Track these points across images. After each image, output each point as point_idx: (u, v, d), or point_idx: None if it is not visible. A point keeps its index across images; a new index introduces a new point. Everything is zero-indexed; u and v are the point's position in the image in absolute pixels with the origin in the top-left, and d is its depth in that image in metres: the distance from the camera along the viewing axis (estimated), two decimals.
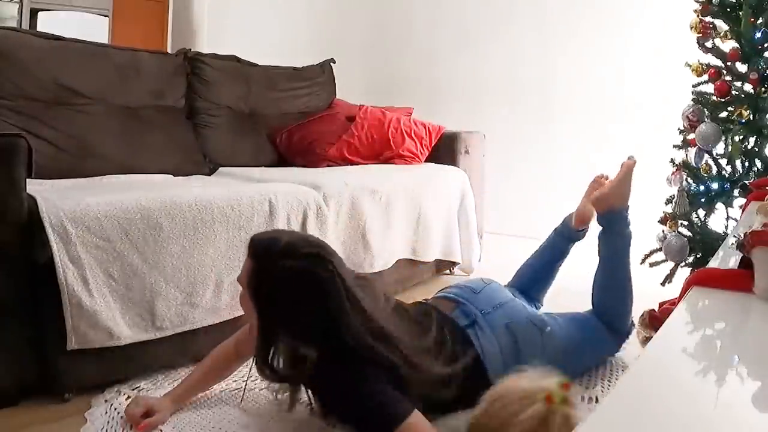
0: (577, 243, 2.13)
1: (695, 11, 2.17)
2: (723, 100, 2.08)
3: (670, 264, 2.20)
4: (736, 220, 1.96)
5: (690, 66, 2.19)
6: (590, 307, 1.90)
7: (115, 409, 1.58)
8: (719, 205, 2.11)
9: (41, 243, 1.56)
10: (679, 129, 2.30)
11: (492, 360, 1.55)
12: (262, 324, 1.40)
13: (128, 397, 1.64)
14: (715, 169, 2.12)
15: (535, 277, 2.09)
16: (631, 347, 2.01)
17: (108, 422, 1.52)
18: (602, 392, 1.72)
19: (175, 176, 2.45)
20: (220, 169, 2.66)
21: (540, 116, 3.97)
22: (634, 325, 1.89)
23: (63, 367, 1.61)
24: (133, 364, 1.73)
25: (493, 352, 1.56)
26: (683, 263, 2.17)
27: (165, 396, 1.57)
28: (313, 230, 2.14)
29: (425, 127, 3.06)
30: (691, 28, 2.16)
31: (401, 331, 1.45)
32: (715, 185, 2.12)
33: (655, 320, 2.04)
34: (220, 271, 1.87)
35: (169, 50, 3.95)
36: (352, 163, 2.93)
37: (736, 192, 2.08)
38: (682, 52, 2.28)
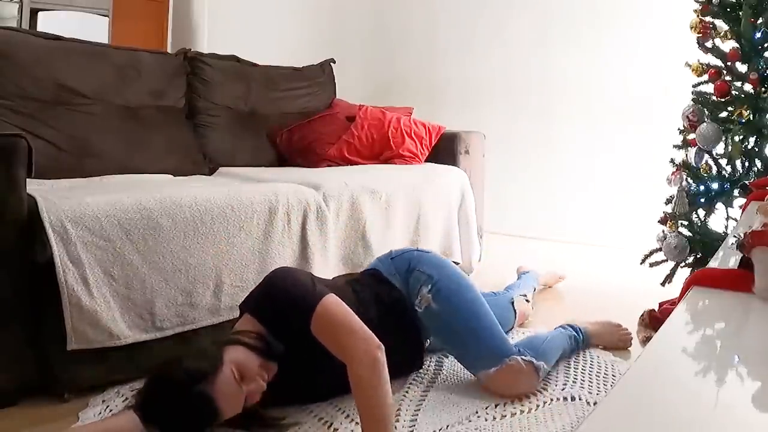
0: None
1: (695, 11, 2.17)
2: (723, 100, 2.08)
3: (670, 264, 2.20)
4: (736, 220, 1.96)
5: (690, 66, 2.19)
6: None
7: (111, 410, 1.58)
8: (719, 205, 2.11)
9: (41, 243, 1.56)
10: (679, 129, 2.30)
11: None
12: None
13: (126, 398, 1.63)
14: (715, 169, 2.12)
15: None
16: (631, 347, 2.02)
17: None
18: (604, 393, 1.72)
19: (175, 176, 2.45)
20: (220, 169, 2.66)
21: (540, 116, 3.96)
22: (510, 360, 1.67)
23: (62, 367, 1.61)
24: (133, 365, 1.73)
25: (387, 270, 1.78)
26: (683, 263, 2.17)
27: None
28: (313, 230, 2.14)
29: (425, 127, 3.06)
30: (691, 28, 2.16)
31: None
32: (715, 185, 2.12)
33: (655, 320, 2.04)
34: (220, 271, 1.87)
35: (169, 50, 3.95)
36: (352, 163, 2.93)
37: (736, 192, 2.08)
38: (683, 51, 2.28)
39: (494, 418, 1.56)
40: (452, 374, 1.82)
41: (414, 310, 1.72)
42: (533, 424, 1.54)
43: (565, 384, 1.74)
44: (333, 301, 1.47)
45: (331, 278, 2.02)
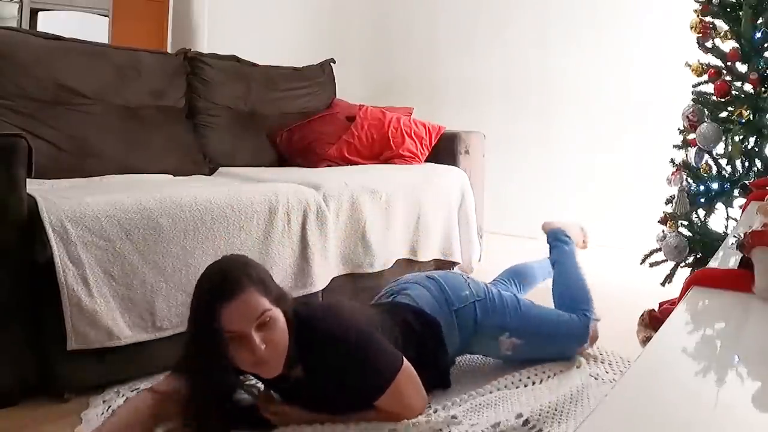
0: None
1: (695, 11, 2.17)
2: (723, 100, 2.08)
3: (670, 264, 2.20)
4: (736, 220, 1.96)
5: (690, 66, 2.19)
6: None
7: (112, 410, 1.57)
8: (719, 205, 2.11)
9: (41, 243, 1.56)
10: (679, 129, 2.30)
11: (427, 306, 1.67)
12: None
13: (126, 398, 1.63)
14: (715, 169, 2.12)
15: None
16: (631, 347, 2.01)
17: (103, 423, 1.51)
18: (602, 363, 1.84)
19: (175, 176, 2.45)
20: (220, 169, 2.66)
21: (540, 116, 3.96)
22: (592, 316, 1.89)
23: (63, 367, 1.61)
24: (133, 365, 1.73)
25: (426, 299, 1.68)
26: (683, 263, 2.17)
27: None
28: (313, 230, 2.14)
29: (425, 127, 3.06)
30: (691, 28, 2.16)
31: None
32: (715, 185, 2.11)
33: (655, 320, 2.04)
34: None
35: (169, 50, 3.95)
36: (352, 163, 2.93)
37: (736, 192, 2.07)
38: (682, 52, 2.28)
39: (517, 387, 1.68)
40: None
41: (449, 361, 1.71)
42: (541, 394, 1.64)
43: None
44: (404, 377, 1.45)
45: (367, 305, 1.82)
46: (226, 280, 1.33)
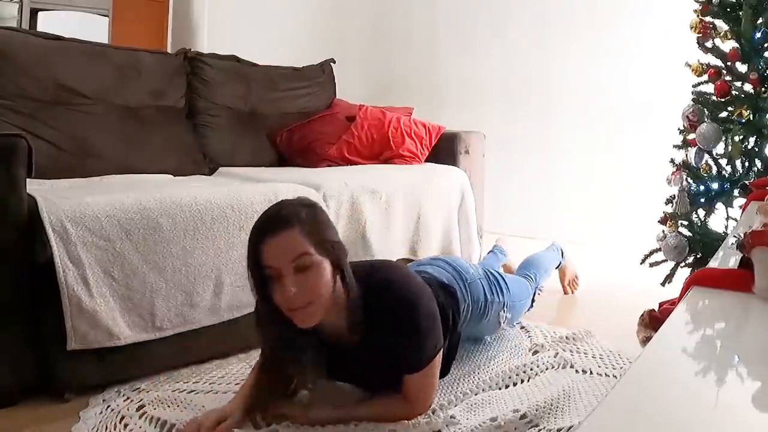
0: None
1: (695, 11, 2.17)
2: (723, 100, 2.08)
3: (670, 264, 2.20)
4: (736, 220, 1.96)
5: (690, 66, 2.19)
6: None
7: (112, 409, 1.57)
8: (719, 205, 2.11)
9: (41, 243, 1.56)
10: (679, 129, 2.30)
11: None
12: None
13: (127, 398, 1.63)
14: (715, 169, 2.12)
15: None
16: (631, 347, 2.02)
17: (101, 422, 1.52)
18: (592, 358, 1.87)
19: (175, 176, 2.45)
20: (220, 169, 2.66)
21: (540, 116, 3.96)
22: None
23: (63, 367, 1.61)
24: (134, 365, 1.73)
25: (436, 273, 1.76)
26: (683, 263, 2.17)
27: (233, 402, 1.48)
28: None
29: (425, 127, 3.06)
30: (691, 28, 2.16)
31: None
32: (715, 185, 2.11)
33: (655, 320, 2.04)
34: (220, 271, 1.87)
35: (169, 50, 3.95)
36: (352, 163, 2.93)
37: (736, 192, 2.07)
38: (682, 52, 2.28)
39: (501, 388, 1.72)
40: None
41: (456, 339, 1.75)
42: (534, 390, 1.68)
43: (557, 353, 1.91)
44: (437, 363, 1.49)
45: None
46: (275, 216, 1.36)
